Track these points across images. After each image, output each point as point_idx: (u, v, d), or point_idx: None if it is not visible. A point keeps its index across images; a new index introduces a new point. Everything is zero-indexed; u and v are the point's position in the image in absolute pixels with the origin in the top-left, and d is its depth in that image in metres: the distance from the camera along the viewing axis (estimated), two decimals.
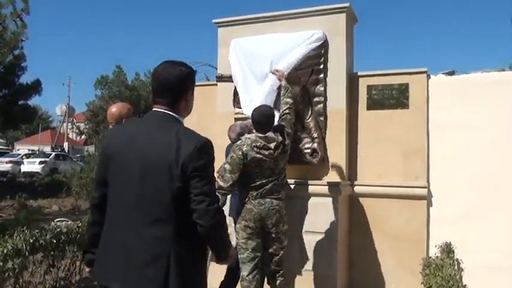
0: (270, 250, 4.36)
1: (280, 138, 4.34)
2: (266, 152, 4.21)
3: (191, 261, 2.37)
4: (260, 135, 4.25)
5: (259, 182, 4.23)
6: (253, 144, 4.19)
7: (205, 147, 2.37)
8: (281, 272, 4.43)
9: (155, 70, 2.52)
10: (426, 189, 5.13)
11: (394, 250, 5.16)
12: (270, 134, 4.29)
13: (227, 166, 4.16)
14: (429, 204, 5.16)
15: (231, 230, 3.94)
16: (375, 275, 5.24)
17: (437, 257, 4.78)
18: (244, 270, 4.26)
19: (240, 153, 4.15)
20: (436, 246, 4.95)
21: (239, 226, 4.28)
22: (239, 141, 4.29)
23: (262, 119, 4.32)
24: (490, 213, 4.91)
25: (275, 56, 5.16)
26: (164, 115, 2.45)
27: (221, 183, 4.12)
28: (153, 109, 2.49)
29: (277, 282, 4.40)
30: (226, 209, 4.56)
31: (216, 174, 4.07)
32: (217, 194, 3.82)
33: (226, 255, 2.56)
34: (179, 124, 2.47)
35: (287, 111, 4.60)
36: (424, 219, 5.12)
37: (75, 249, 5.79)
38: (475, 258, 4.89)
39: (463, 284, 4.84)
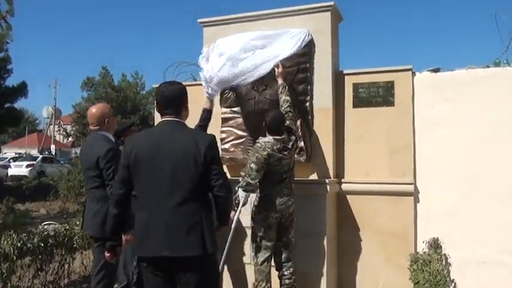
0: (284, 239, 4.64)
1: (293, 137, 4.75)
2: (286, 152, 4.57)
3: (213, 225, 3.18)
4: (277, 137, 4.56)
5: (280, 177, 4.57)
6: (274, 147, 4.51)
7: (215, 140, 3.26)
8: (291, 261, 4.65)
9: (160, 89, 3.32)
10: (413, 186, 5.15)
11: (382, 246, 5.19)
12: (285, 135, 4.64)
13: (253, 165, 4.46)
14: (416, 200, 5.19)
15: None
16: (363, 272, 5.27)
17: (424, 252, 4.83)
18: (261, 257, 4.56)
19: (265, 153, 4.46)
20: (423, 241, 4.99)
21: (260, 217, 4.57)
22: (258, 144, 4.54)
23: (278, 124, 4.63)
24: (477, 209, 4.94)
25: (259, 52, 5.17)
26: (174, 122, 3.25)
27: (249, 180, 4.47)
28: (164, 119, 3.26)
29: (291, 270, 4.61)
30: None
31: (242, 173, 4.55)
32: (243, 190, 4.52)
33: (228, 221, 3.62)
34: (187, 127, 3.32)
35: (288, 108, 4.85)
36: (412, 215, 5.15)
37: (63, 253, 5.77)
38: (462, 253, 4.93)
39: (451, 279, 4.89)
